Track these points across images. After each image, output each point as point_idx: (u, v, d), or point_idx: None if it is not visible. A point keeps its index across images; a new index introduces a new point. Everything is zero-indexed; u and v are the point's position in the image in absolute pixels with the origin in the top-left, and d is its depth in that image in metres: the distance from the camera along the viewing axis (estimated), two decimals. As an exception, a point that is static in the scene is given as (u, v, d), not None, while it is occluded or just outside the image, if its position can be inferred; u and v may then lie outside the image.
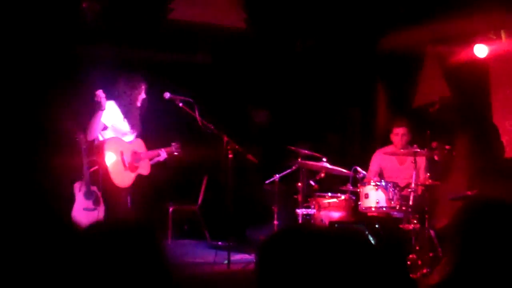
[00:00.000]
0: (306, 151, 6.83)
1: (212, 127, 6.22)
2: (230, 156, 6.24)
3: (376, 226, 5.75)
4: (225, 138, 6.25)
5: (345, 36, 8.31)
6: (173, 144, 6.34)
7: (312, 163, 6.77)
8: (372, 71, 8.59)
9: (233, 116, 8.34)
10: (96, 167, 6.04)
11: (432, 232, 6.14)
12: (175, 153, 6.34)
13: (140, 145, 6.11)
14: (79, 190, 6.51)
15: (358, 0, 7.89)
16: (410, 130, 6.86)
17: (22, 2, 6.93)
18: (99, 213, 6.76)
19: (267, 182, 7.01)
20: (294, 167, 6.85)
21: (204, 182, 8.14)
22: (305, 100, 8.70)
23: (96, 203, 6.68)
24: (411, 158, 6.37)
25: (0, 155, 6.66)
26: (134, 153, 6.00)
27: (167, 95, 6.12)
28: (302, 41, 8.63)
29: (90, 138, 5.87)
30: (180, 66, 8.34)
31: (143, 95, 6.05)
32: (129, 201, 6.01)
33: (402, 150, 6.69)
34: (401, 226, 6.12)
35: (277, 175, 6.90)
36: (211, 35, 8.31)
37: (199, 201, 8.06)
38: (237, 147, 6.27)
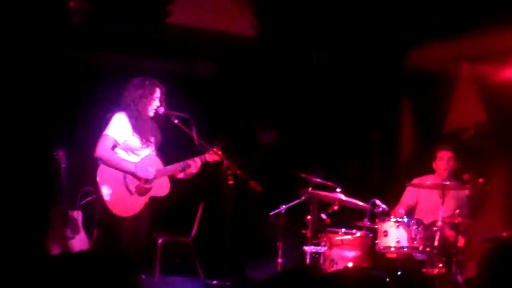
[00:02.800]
0: (318, 179, 6.79)
1: (211, 148, 6.16)
2: (230, 182, 6.19)
3: (398, 273, 5.69)
4: (225, 162, 6.19)
5: (367, 48, 8.29)
6: (210, 147, 6.13)
7: (324, 194, 6.73)
8: (397, 90, 8.57)
9: (236, 136, 8.30)
10: (93, 196, 5.98)
11: (459, 278, 6.11)
12: (214, 160, 6.15)
13: (155, 162, 6.04)
14: (56, 216, 6.47)
15: (383, 8, 7.85)
16: (456, 156, 6.80)
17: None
18: (77, 242, 6.71)
19: (271, 213, 6.96)
20: (303, 198, 6.81)
21: (199, 211, 8.06)
22: (319, 121, 8.66)
23: (74, 231, 6.63)
24: (454, 191, 6.38)
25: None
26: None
27: (161, 109, 6.08)
28: (318, 53, 8.61)
29: (95, 155, 5.80)
30: (179, 77, 8.32)
31: (156, 103, 5.98)
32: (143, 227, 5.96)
33: (428, 183, 6.64)
34: (424, 270, 6.11)
35: (284, 206, 6.86)
36: (215, 43, 8.32)
37: (193, 232, 7.98)
38: (238, 172, 6.21)
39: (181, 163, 6.08)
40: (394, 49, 8.27)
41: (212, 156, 6.15)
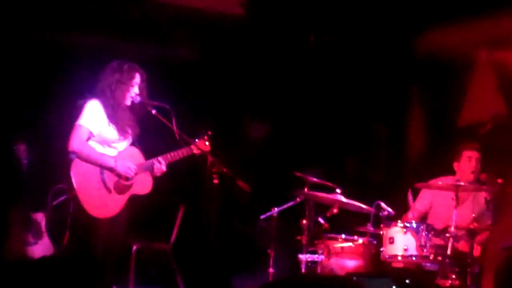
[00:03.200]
0: (315, 179, 6.80)
1: (194, 143, 6.17)
2: (215, 181, 6.14)
3: (407, 281, 5.72)
4: (210, 158, 6.19)
5: (371, 31, 8.30)
6: (192, 141, 6.16)
7: (322, 195, 6.74)
8: (406, 78, 8.59)
9: (223, 129, 8.30)
10: (65, 196, 5.97)
11: (476, 291, 6.13)
12: (203, 151, 6.17)
13: (134, 155, 6.05)
14: (17, 219, 6.46)
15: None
16: (482, 157, 6.90)
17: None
18: (40, 249, 6.72)
19: (262, 217, 6.96)
20: (298, 199, 6.82)
21: (180, 214, 8.07)
22: (317, 112, 8.69)
23: (36, 236, 6.63)
24: (473, 196, 6.55)
25: None
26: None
27: (137, 98, 6.09)
28: (317, 36, 8.62)
29: (69, 149, 5.79)
30: (158, 61, 8.32)
31: (135, 90, 5.99)
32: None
33: (440, 183, 6.68)
34: (436, 282, 6.12)
35: (276, 209, 6.87)
36: (198, 23, 8.32)
37: (172, 238, 7.98)
38: (224, 169, 6.20)
39: (165, 155, 6.08)
40: (402, 32, 8.29)
41: (200, 146, 6.16)
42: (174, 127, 6.07)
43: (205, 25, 8.37)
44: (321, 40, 8.63)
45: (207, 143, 6.22)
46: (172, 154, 6.10)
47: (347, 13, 8.25)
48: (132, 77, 5.98)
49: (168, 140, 6.16)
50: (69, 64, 7.48)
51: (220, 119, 8.45)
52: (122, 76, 5.94)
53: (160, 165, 6.01)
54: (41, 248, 6.69)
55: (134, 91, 5.98)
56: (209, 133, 6.27)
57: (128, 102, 5.98)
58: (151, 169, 6.04)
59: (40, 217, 6.88)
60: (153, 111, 6.12)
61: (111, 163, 5.80)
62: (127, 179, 5.87)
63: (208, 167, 6.16)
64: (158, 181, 6.27)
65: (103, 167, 5.79)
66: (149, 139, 6.19)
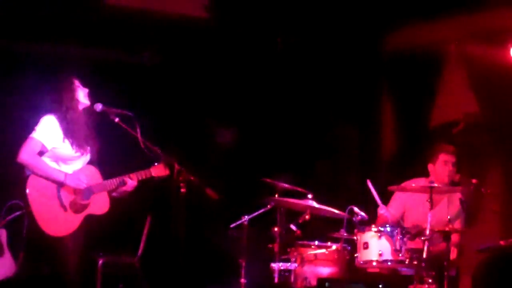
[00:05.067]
0: (286, 185, 6.80)
1: (159, 151, 6.14)
2: (183, 190, 6.15)
3: (380, 286, 5.73)
4: (176, 166, 6.17)
5: (339, 30, 8.32)
6: (158, 150, 6.14)
7: (293, 201, 6.74)
8: (375, 78, 8.62)
9: (188, 135, 8.28)
10: (19, 212, 5.91)
11: (453, 296, 6.16)
12: (162, 175, 6.19)
13: (92, 174, 6.03)
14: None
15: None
16: (457, 161, 6.94)
17: None
18: (1, 267, 6.63)
19: (232, 225, 6.97)
20: (269, 206, 6.83)
21: (147, 225, 8.04)
22: (285, 116, 8.69)
23: (-3, 252, 6.54)
24: (448, 198, 6.57)
25: None
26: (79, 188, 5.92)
27: (98, 107, 6.09)
28: (284, 37, 8.62)
29: (18, 160, 5.75)
30: (118, 67, 8.29)
31: (81, 94, 5.99)
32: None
33: (413, 186, 6.71)
34: (411, 286, 6.12)
35: (246, 217, 6.87)
36: (160, 27, 8.30)
37: (140, 251, 7.95)
38: (192, 178, 6.20)
39: (117, 178, 6.08)
40: (370, 29, 8.32)
41: (158, 170, 6.16)
42: (139, 135, 6.05)
43: (166, 29, 8.34)
44: (288, 41, 8.63)
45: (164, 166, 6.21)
46: (131, 175, 6.09)
47: (314, 12, 8.25)
48: (71, 82, 5.98)
49: (129, 149, 6.17)
50: (25, 73, 7.42)
51: (185, 126, 8.43)
52: (62, 85, 5.95)
53: (130, 181, 6.03)
54: (2, 266, 6.61)
55: (81, 96, 5.97)
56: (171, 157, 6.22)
57: (80, 107, 5.96)
58: (114, 188, 6.02)
59: (1, 233, 6.82)
60: (116, 119, 6.10)
61: (60, 177, 5.78)
62: (83, 196, 5.84)
63: (175, 175, 6.16)
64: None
65: (52, 181, 5.75)
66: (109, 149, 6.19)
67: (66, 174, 5.79)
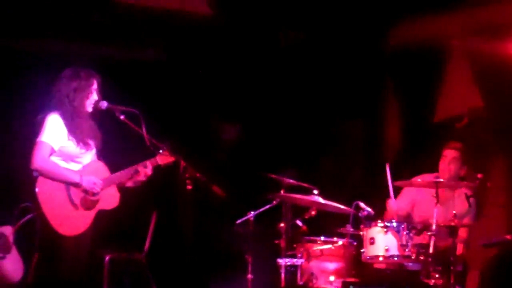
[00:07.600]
0: (291, 181, 6.80)
1: (164, 148, 6.15)
2: (189, 187, 6.13)
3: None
4: (182, 163, 6.17)
5: (343, 25, 8.32)
6: (164, 147, 6.13)
7: (299, 197, 6.74)
8: (379, 73, 8.61)
9: (194, 132, 8.29)
10: (32, 214, 5.90)
11: (459, 289, 6.15)
12: (168, 162, 6.14)
13: (99, 169, 6.00)
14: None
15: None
16: (463, 157, 6.90)
17: None
18: (9, 263, 6.67)
19: (238, 222, 6.96)
20: (274, 202, 6.84)
21: (153, 222, 8.04)
22: (290, 111, 8.69)
23: (4, 249, 6.57)
24: (457, 193, 6.57)
25: None
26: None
27: (104, 104, 6.04)
28: (287, 33, 8.62)
29: (32, 167, 5.70)
30: (124, 64, 8.29)
31: (95, 96, 5.92)
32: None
33: (419, 181, 6.72)
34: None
35: (252, 213, 6.88)
36: (165, 24, 8.30)
37: (146, 247, 7.95)
38: (198, 175, 6.19)
39: (130, 169, 6.03)
40: (374, 25, 8.32)
41: (164, 158, 6.14)
42: (144, 132, 6.05)
43: (170, 25, 8.34)
44: (291, 37, 8.64)
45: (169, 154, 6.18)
46: (146, 162, 6.07)
47: (317, 7, 8.25)
48: (91, 83, 5.89)
49: (134, 145, 6.17)
50: (32, 72, 7.42)
51: (190, 122, 8.44)
52: (80, 83, 5.85)
53: (144, 169, 5.99)
54: (10, 263, 6.65)
55: (93, 98, 5.91)
56: (167, 145, 6.20)
57: (89, 109, 5.93)
58: (126, 179, 6.02)
59: (7, 230, 6.84)
60: (122, 117, 6.09)
61: (76, 179, 5.73)
62: (93, 194, 5.84)
63: (181, 172, 6.15)
64: (129, 189, 6.27)
65: (68, 183, 5.74)
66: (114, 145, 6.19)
67: (81, 176, 5.74)
